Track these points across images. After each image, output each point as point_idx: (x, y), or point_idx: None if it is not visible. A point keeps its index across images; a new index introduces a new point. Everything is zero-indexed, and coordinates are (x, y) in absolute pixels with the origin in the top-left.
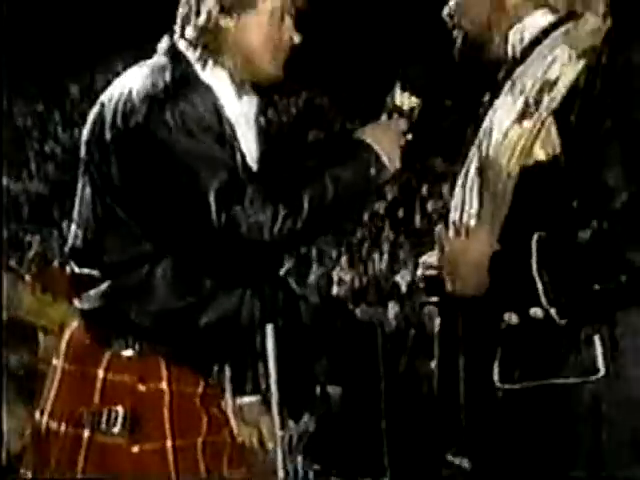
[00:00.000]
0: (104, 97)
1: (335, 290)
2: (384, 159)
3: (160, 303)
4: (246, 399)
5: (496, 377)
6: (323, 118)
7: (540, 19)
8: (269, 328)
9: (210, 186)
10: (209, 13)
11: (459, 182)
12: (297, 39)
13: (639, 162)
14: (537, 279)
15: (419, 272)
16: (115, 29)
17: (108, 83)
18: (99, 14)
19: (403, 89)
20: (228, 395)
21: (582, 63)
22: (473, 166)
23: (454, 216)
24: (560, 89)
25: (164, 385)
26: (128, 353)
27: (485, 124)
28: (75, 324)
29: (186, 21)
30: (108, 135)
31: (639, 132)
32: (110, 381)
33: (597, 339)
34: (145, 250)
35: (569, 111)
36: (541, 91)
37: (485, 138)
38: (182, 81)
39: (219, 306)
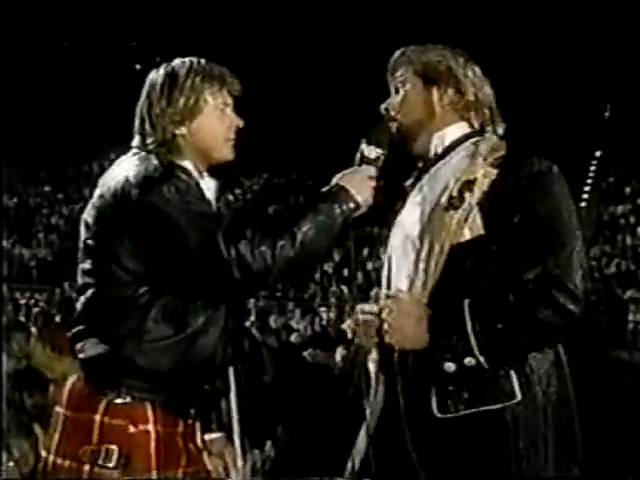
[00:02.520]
0: (102, 184)
1: (292, 337)
2: (357, 197)
3: (152, 341)
4: (212, 435)
5: (435, 409)
6: (280, 194)
7: (458, 130)
8: (231, 370)
9: (217, 230)
10: (164, 128)
11: (391, 250)
12: (240, 123)
13: (541, 248)
14: (471, 336)
15: (356, 317)
16: (108, 125)
17: (103, 169)
18: (96, 113)
19: (369, 143)
20: (198, 432)
21: (495, 171)
22: (406, 239)
23: (389, 280)
24: (480, 188)
25: (150, 427)
26: (121, 401)
27: (409, 204)
28: (75, 377)
29: (144, 133)
30: (111, 211)
31: (540, 221)
32: (106, 424)
33: (513, 373)
34: (138, 303)
35: (490, 204)
36: (462, 189)
37: (417, 218)
38: (168, 165)
39: (201, 345)
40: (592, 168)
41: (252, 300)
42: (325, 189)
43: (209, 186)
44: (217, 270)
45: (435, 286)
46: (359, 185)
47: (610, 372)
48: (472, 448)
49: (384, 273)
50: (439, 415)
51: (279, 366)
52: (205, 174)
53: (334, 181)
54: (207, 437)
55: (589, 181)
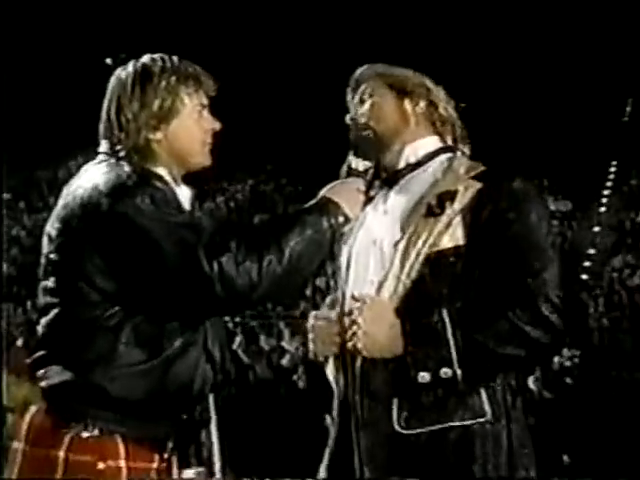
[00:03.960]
0: (68, 193)
1: (283, 360)
2: (346, 211)
3: (124, 366)
4: (191, 470)
5: (395, 424)
6: (267, 202)
7: (431, 144)
8: (211, 398)
9: (198, 243)
10: (138, 133)
11: (352, 255)
12: (217, 126)
13: (520, 265)
14: (452, 344)
15: (311, 323)
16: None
17: (70, 175)
18: (62, 113)
19: (356, 154)
20: (175, 468)
21: (478, 185)
22: (370, 245)
23: (346, 284)
24: (462, 200)
25: (122, 463)
26: (88, 434)
27: (374, 212)
28: (35, 408)
29: (113, 138)
30: (79, 223)
31: (517, 240)
32: (72, 461)
33: (483, 391)
34: (108, 324)
35: (471, 217)
36: (442, 199)
37: (386, 225)
38: (142, 172)
39: (178, 370)
40: (612, 170)
41: (237, 319)
42: (312, 202)
43: (185, 195)
44: (198, 287)
45: (408, 293)
46: (348, 198)
47: (636, 396)
48: (430, 465)
49: (340, 278)
50: (400, 430)
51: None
52: (180, 182)
53: (322, 194)
54: (185, 473)
55: (609, 184)
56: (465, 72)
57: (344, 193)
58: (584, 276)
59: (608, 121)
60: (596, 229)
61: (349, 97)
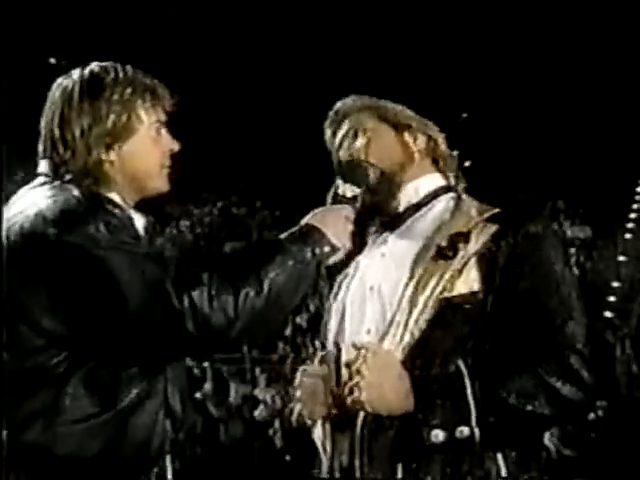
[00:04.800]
0: (6, 219)
1: (256, 412)
2: (333, 240)
3: (71, 422)
4: None
5: None
6: (239, 228)
7: (433, 182)
8: (167, 460)
9: (165, 275)
10: (89, 152)
11: (345, 302)
12: (176, 147)
13: (545, 314)
14: (470, 399)
15: (300, 381)
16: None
17: (6, 196)
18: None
19: (344, 180)
20: None
21: (493, 228)
22: (368, 291)
23: (340, 335)
24: (476, 242)
25: None
26: None
27: (371, 256)
28: None
29: (57, 158)
30: (20, 255)
31: (537, 290)
32: None
33: (500, 455)
34: (53, 373)
35: (487, 261)
36: (454, 240)
37: (387, 269)
38: (94, 197)
39: (134, 425)
40: (638, 191)
41: (205, 364)
42: (295, 229)
43: (140, 224)
44: (166, 325)
45: (417, 342)
46: (334, 226)
47: None
48: None
49: (331, 327)
50: None
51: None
52: (132, 209)
53: (305, 221)
54: None
55: (635, 207)
56: (475, 82)
57: (330, 221)
58: (608, 313)
59: (632, 137)
60: (621, 258)
61: (329, 131)
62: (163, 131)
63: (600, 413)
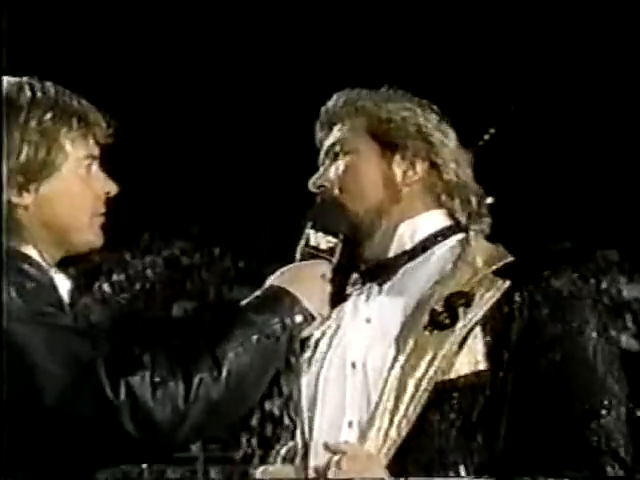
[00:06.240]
0: None
1: None
2: (307, 305)
3: None
4: None
5: None
6: (191, 284)
7: (434, 221)
8: None
9: (95, 356)
10: None
11: (319, 383)
12: (113, 189)
13: (573, 403)
14: None
15: None
16: None
17: None
18: None
19: (315, 227)
20: None
21: (505, 285)
22: (347, 369)
23: (326, 428)
24: (482, 304)
25: None
26: None
27: (352, 321)
28: None
29: None
30: None
31: (568, 370)
32: None
33: None
34: None
35: (497, 330)
36: (453, 303)
37: (371, 341)
38: (2, 251)
39: None
40: None
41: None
42: (259, 293)
43: (63, 288)
44: (96, 424)
45: (405, 440)
46: (308, 288)
47: None
48: None
49: (301, 417)
50: None
51: None
52: (54, 268)
53: (271, 281)
54: None
55: None
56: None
57: (303, 281)
58: None
59: None
60: None
61: (319, 135)
62: (95, 169)
63: None
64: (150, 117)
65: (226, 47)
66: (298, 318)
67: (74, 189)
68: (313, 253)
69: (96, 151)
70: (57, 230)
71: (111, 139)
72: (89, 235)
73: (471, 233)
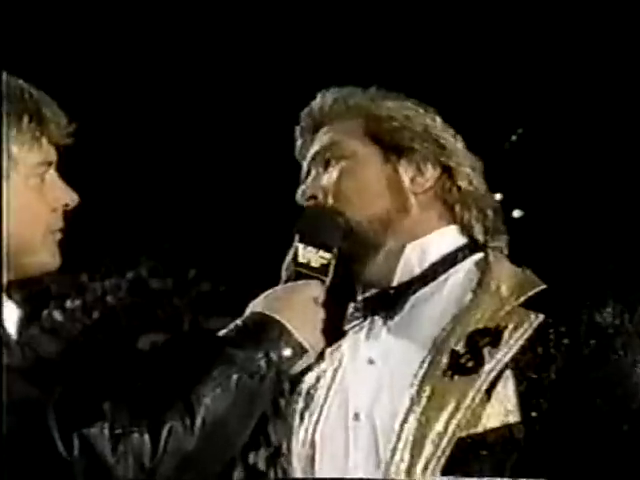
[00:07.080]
0: None
1: None
2: (298, 336)
3: None
4: None
5: None
6: (161, 311)
7: (448, 239)
8: None
9: (45, 402)
10: None
11: (315, 434)
12: (73, 199)
13: (624, 454)
14: None
15: None
16: None
17: None
18: None
19: (303, 241)
20: None
21: (538, 319)
22: (351, 420)
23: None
24: (511, 343)
25: None
26: None
27: (353, 361)
28: None
29: None
30: None
31: (615, 416)
32: None
33: None
34: None
35: (529, 373)
36: (476, 342)
37: (378, 386)
38: None
39: None
40: None
41: None
42: (240, 321)
43: (10, 317)
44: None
45: None
46: (299, 314)
47: None
48: None
49: (295, 471)
50: None
51: None
52: (3, 295)
53: (254, 306)
54: None
55: None
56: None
57: (292, 307)
58: None
59: None
60: None
61: (300, 141)
62: (51, 176)
63: None
64: (117, 117)
65: (199, 58)
66: (287, 352)
67: (24, 201)
68: (302, 272)
69: (52, 155)
70: (5, 251)
71: (70, 140)
72: (43, 255)
73: (490, 253)
